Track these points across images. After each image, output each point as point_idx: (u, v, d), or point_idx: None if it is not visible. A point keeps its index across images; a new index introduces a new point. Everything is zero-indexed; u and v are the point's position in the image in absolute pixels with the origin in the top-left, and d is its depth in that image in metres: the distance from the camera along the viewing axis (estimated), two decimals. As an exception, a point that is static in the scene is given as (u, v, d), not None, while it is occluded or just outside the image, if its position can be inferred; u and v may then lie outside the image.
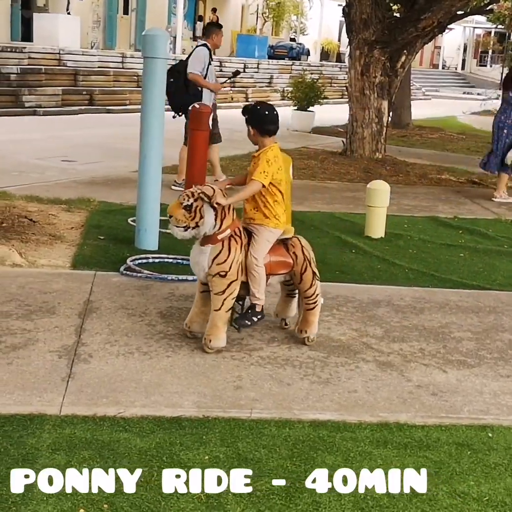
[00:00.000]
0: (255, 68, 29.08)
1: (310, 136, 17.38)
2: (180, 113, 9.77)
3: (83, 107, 19.37)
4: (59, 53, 20.44)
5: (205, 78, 9.54)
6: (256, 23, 36.13)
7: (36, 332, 4.85)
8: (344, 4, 13.71)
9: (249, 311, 4.83)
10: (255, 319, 4.83)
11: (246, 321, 4.84)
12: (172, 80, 9.65)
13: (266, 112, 4.79)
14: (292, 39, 39.55)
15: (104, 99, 20.27)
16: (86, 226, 7.45)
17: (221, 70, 27.14)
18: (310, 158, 13.27)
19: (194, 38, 34.30)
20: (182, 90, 9.56)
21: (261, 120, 4.78)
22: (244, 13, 36.89)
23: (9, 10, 23.65)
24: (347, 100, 13.99)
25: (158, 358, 4.64)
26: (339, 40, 43.94)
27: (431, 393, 4.48)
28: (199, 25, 34.69)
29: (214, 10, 35.09)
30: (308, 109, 18.45)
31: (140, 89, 23.39)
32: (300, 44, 37.82)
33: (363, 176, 11.89)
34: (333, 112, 21.95)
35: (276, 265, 4.82)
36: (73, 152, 12.42)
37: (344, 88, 30.32)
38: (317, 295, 4.94)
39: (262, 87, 28.32)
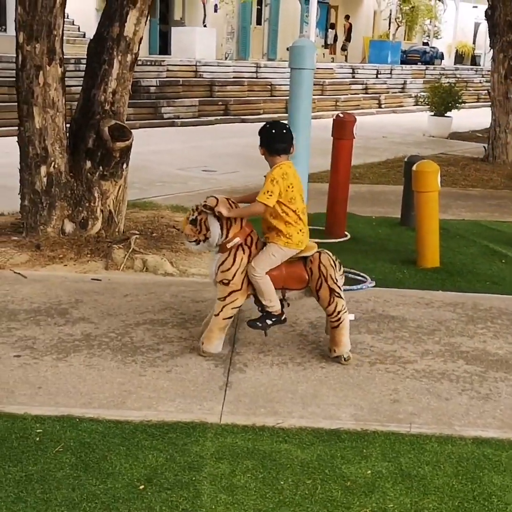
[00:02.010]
0: (388, 74, 28.80)
1: (448, 142, 17.01)
2: None
3: (218, 117, 19.77)
4: (195, 65, 20.94)
5: None
6: (389, 29, 35.74)
7: (191, 341, 4.95)
8: (479, 6, 13.35)
9: (264, 314, 4.77)
10: (269, 321, 4.75)
11: (258, 323, 4.77)
12: None
13: (273, 131, 4.63)
14: (425, 43, 38.92)
15: (239, 109, 20.61)
16: (232, 236, 7.55)
17: (353, 77, 27.08)
18: (450, 165, 12.97)
19: (326, 45, 34.38)
20: None
21: (268, 139, 4.62)
22: (376, 19, 36.62)
23: (147, 25, 24.44)
24: (489, 104, 13.60)
25: (312, 368, 4.64)
26: (473, 43, 42.87)
27: None
28: (331, 33, 34.75)
29: (347, 17, 35.03)
30: (445, 115, 18.07)
31: (273, 98, 23.59)
32: (434, 48, 37.16)
33: (508, 183, 11.53)
34: (470, 117, 21.42)
35: (290, 280, 4.70)
36: (212, 162, 12.69)
37: (480, 91, 29.60)
38: (339, 312, 4.71)
39: (395, 93, 28.02)
